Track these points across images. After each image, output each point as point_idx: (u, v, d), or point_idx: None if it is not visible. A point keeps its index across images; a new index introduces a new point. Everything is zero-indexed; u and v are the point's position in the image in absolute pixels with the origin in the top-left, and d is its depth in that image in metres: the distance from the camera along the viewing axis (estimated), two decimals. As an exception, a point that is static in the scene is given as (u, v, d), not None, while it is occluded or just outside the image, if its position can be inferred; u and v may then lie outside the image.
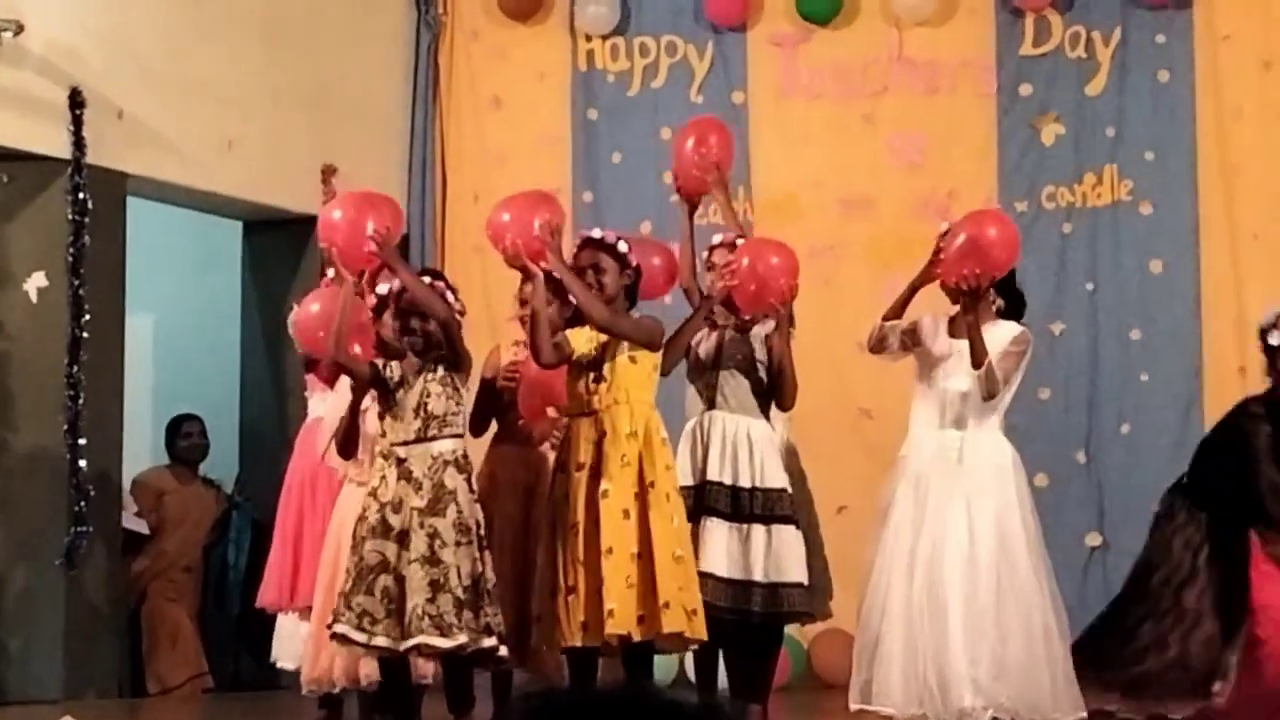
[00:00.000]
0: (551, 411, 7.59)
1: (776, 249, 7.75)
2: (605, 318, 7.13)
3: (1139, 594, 7.38)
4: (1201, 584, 7.12)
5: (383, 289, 7.25)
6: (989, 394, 7.07)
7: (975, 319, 7.11)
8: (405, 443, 6.97)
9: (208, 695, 10.67)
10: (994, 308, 7.30)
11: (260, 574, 9.41)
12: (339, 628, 6.86)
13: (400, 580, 6.82)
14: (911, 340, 7.30)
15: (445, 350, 7.03)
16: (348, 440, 7.39)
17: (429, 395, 7.00)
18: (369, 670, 7.45)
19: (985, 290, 7.22)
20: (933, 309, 7.44)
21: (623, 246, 7.45)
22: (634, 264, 7.45)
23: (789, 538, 7.51)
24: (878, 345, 7.40)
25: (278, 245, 11.56)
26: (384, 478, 6.97)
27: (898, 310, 7.41)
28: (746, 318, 7.73)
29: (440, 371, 7.02)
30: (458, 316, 7.26)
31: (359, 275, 7.39)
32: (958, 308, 7.28)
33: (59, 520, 9.77)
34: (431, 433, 6.97)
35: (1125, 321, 10.97)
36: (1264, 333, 7.37)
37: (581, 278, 7.26)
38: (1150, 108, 11.21)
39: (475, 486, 7.11)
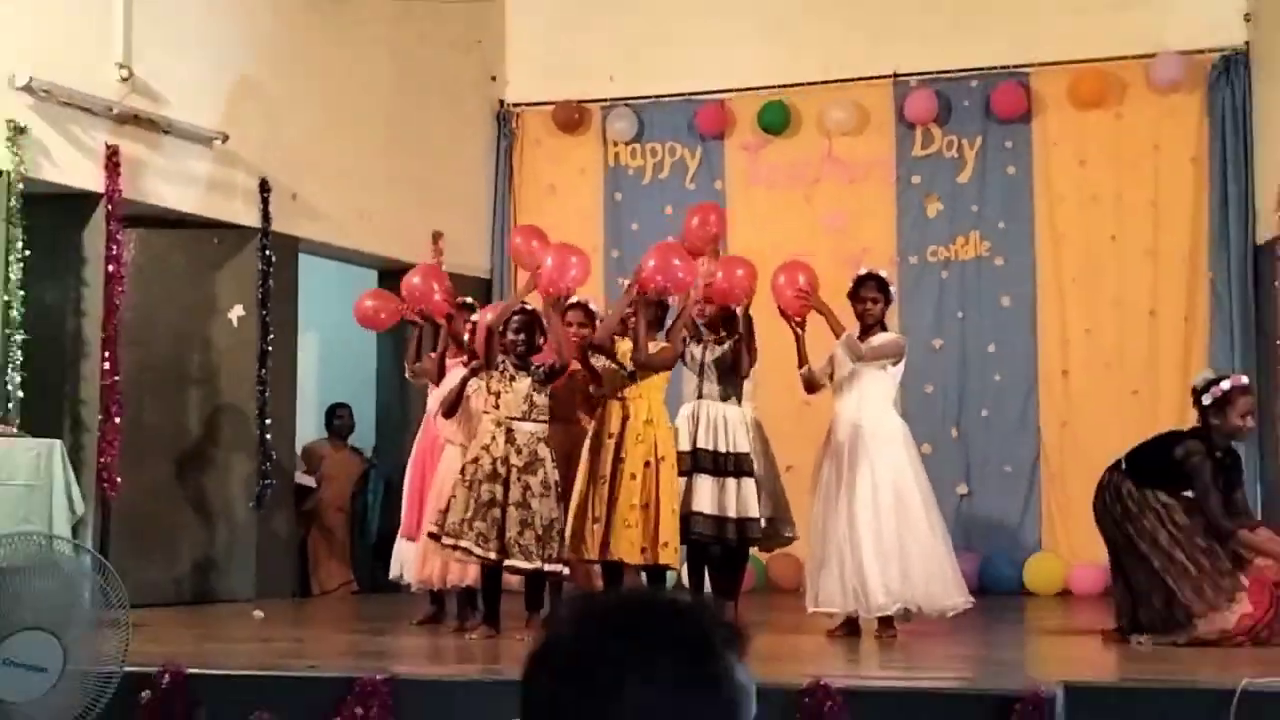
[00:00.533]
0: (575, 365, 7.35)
1: (744, 263, 7.68)
2: (642, 358, 7.19)
3: (1134, 564, 6.82)
4: (1185, 536, 6.68)
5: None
6: (855, 358, 6.98)
7: (836, 326, 7.11)
8: (514, 418, 6.95)
9: (353, 595, 10.65)
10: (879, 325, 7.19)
11: (388, 515, 9.61)
12: (463, 543, 6.87)
13: (503, 514, 6.83)
14: (831, 367, 7.21)
15: (548, 367, 7.04)
16: (451, 407, 7.38)
17: (534, 390, 7.01)
18: (464, 576, 7.37)
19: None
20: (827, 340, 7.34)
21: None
22: (666, 301, 7.49)
23: (751, 487, 7.48)
24: (810, 388, 7.44)
25: (398, 286, 11.30)
26: (494, 438, 6.93)
27: (803, 359, 7.37)
28: (722, 332, 7.63)
29: (542, 376, 7.02)
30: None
31: (555, 299, 7.23)
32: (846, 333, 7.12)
33: (252, 477, 9.84)
34: (534, 416, 6.99)
35: (984, 339, 10.85)
36: (1197, 392, 7.03)
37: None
38: (1002, 192, 11.12)
39: (555, 457, 7.08)
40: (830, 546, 6.94)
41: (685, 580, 7.72)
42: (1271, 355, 10.13)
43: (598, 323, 7.60)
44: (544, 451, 7.00)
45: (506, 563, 6.91)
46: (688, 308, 7.48)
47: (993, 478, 10.21)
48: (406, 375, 8.57)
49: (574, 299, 7.56)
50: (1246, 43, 10.68)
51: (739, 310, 7.61)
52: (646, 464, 7.12)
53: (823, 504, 7.06)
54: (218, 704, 5.14)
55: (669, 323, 7.51)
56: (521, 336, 7.10)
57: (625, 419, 7.19)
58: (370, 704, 4.98)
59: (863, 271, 7.44)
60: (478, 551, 6.88)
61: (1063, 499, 10.72)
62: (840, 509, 6.92)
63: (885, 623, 6.86)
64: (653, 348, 7.22)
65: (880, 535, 6.80)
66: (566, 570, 7.09)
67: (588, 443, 7.32)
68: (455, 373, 7.54)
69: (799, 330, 7.39)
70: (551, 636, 1.57)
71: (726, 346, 7.62)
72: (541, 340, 7.16)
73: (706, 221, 8.17)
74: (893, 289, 7.59)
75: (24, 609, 3.29)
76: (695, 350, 7.71)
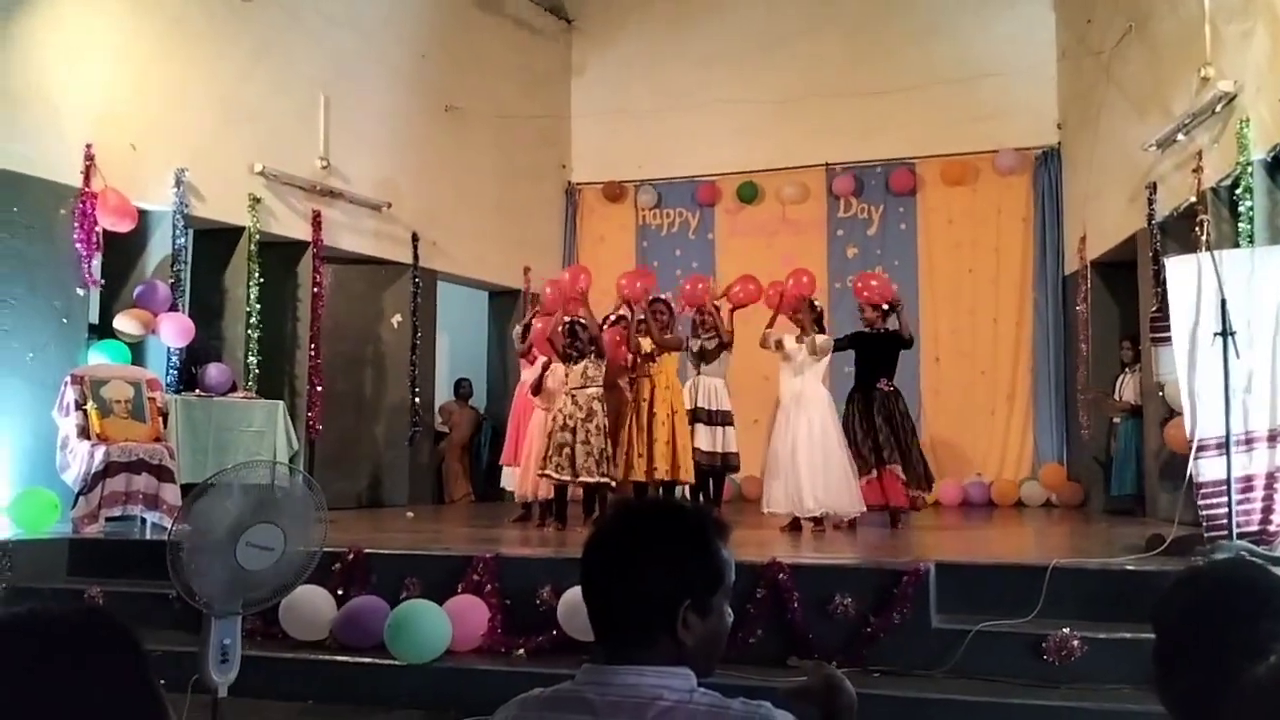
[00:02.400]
0: (629, 362, 7.41)
1: (753, 281, 7.73)
2: (660, 340, 7.34)
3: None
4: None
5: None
6: (811, 352, 6.89)
7: (810, 324, 7.03)
8: (575, 388, 6.92)
9: (471, 503, 10.60)
10: (816, 326, 7.06)
11: (494, 451, 9.64)
12: (550, 472, 6.87)
13: (573, 450, 6.82)
14: (778, 346, 7.08)
15: (596, 349, 7.00)
16: (535, 387, 7.37)
17: (589, 367, 6.95)
18: (546, 491, 7.24)
19: (810, 309, 7.14)
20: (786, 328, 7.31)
21: (671, 301, 7.72)
22: (673, 308, 7.65)
23: (732, 433, 7.60)
24: (764, 344, 7.23)
25: (501, 304, 11.41)
26: (565, 404, 6.92)
27: (770, 324, 7.29)
28: (711, 332, 7.61)
29: (593, 358, 6.97)
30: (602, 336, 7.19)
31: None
32: (798, 325, 7.13)
33: (405, 425, 9.86)
34: (588, 385, 6.92)
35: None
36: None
37: (656, 318, 7.42)
38: (896, 241, 11.07)
39: (606, 409, 7.02)
40: (779, 469, 6.87)
41: (688, 493, 7.61)
42: (1074, 350, 10.13)
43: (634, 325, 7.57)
44: (597, 406, 6.92)
45: (580, 479, 6.86)
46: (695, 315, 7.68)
47: (915, 428, 10.26)
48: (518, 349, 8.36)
49: (615, 314, 7.62)
50: (1059, 142, 10.65)
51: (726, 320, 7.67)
52: (668, 414, 7.21)
53: (776, 442, 6.95)
54: (383, 573, 5.17)
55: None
56: (568, 339, 7.04)
57: (653, 388, 7.26)
58: (483, 573, 5.02)
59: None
60: (556, 475, 6.88)
61: (935, 440, 10.74)
62: (786, 445, 6.83)
63: (817, 521, 6.83)
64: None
65: (811, 464, 6.72)
66: (614, 483, 7.02)
67: (631, 404, 7.30)
68: (540, 363, 7.49)
69: (776, 318, 7.33)
70: (600, 526, 1.59)
71: (714, 342, 7.63)
72: (588, 336, 7.06)
73: (695, 285, 8.08)
74: (818, 305, 7.45)
75: (261, 509, 3.32)
76: (693, 344, 7.73)
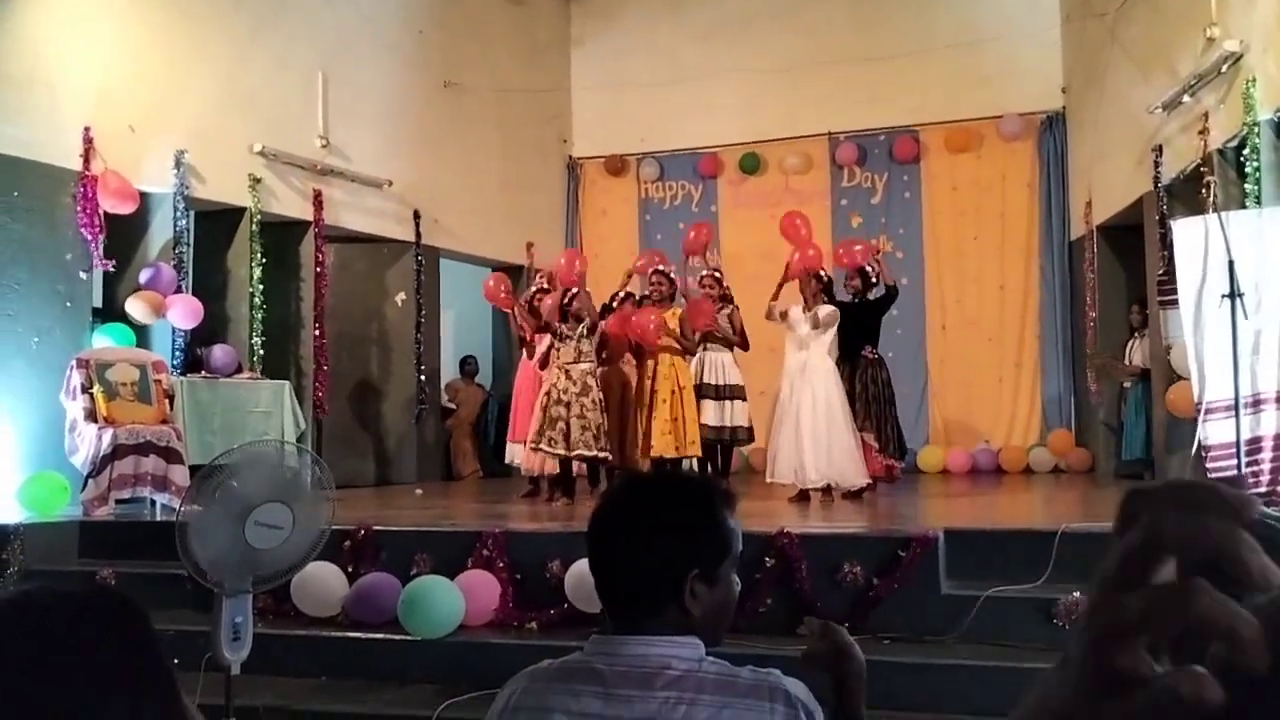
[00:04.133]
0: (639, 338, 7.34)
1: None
2: (687, 346, 7.30)
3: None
4: None
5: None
6: (813, 326, 6.77)
7: (814, 296, 6.89)
8: (569, 363, 6.90)
9: (479, 479, 10.57)
10: (822, 297, 6.90)
11: (503, 429, 9.59)
12: (543, 446, 6.91)
13: (568, 425, 6.81)
14: (783, 317, 6.95)
15: (589, 324, 6.98)
16: (544, 363, 7.23)
17: (583, 342, 6.93)
18: (553, 467, 7.32)
19: (815, 281, 6.97)
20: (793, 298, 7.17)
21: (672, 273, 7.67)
22: (674, 279, 7.62)
23: (740, 406, 7.56)
24: (769, 316, 7.09)
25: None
26: (559, 378, 6.89)
27: (775, 297, 7.10)
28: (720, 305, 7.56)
29: (585, 333, 6.95)
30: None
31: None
32: (803, 296, 6.97)
33: (412, 402, 9.85)
34: (582, 360, 6.91)
35: (894, 307, 10.61)
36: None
37: (656, 289, 7.43)
38: (901, 209, 11.01)
39: (600, 385, 7.03)
40: (783, 440, 6.83)
41: (695, 465, 7.53)
42: (1081, 315, 10.10)
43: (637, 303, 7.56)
44: (591, 381, 6.90)
45: (574, 454, 6.87)
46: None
47: (896, 395, 10.20)
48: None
49: (622, 292, 7.62)
50: (1063, 107, 10.57)
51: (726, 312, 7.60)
52: (672, 391, 7.14)
53: (781, 413, 6.91)
54: (393, 550, 5.19)
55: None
56: (569, 309, 7.01)
57: (655, 365, 7.22)
58: (492, 548, 5.04)
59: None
60: (549, 450, 6.89)
61: (943, 409, 10.76)
62: (791, 416, 6.79)
63: (825, 491, 6.79)
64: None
65: (815, 435, 6.68)
66: (611, 458, 6.99)
67: (635, 384, 7.30)
68: (546, 340, 7.44)
69: (786, 282, 7.18)
70: (607, 499, 1.59)
71: (722, 319, 7.54)
72: (585, 314, 7.04)
73: (699, 233, 8.11)
74: (825, 275, 7.25)
75: (269, 488, 3.32)
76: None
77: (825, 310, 6.94)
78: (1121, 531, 0.45)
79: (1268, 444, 4.97)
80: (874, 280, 7.55)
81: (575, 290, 7.13)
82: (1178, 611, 0.40)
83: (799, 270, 7.11)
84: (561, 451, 6.87)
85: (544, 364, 7.37)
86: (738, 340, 7.61)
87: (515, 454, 8.21)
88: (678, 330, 7.29)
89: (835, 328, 6.99)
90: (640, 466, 7.19)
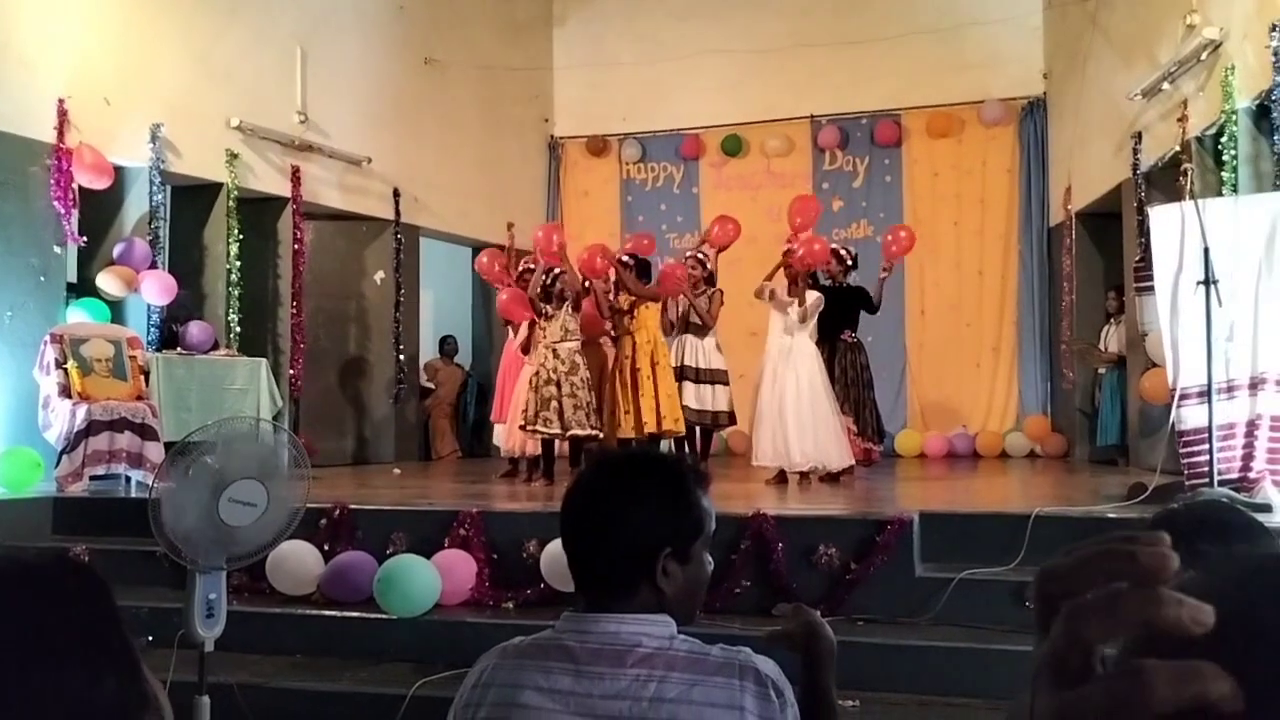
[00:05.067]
0: (608, 325, 7.35)
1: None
2: (638, 290, 7.21)
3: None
4: None
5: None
6: (801, 318, 6.80)
7: (803, 285, 6.85)
8: (555, 342, 6.85)
9: (458, 459, 10.53)
10: (808, 283, 6.92)
11: (480, 408, 9.66)
12: (539, 427, 6.82)
13: (560, 404, 6.78)
14: (771, 297, 6.92)
15: (573, 302, 6.96)
16: (526, 346, 7.32)
17: (568, 320, 6.90)
18: (533, 448, 7.27)
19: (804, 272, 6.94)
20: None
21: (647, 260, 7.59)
22: (649, 265, 7.55)
23: (721, 390, 7.54)
24: (759, 295, 7.04)
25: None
26: (546, 357, 6.85)
27: (769, 278, 7.06)
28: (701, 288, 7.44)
29: (570, 310, 6.92)
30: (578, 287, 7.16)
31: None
32: (789, 280, 6.91)
33: (391, 382, 9.85)
34: (569, 338, 6.88)
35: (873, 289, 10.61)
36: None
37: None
38: (882, 193, 11.03)
39: (586, 364, 6.98)
40: (766, 423, 6.84)
41: (673, 446, 7.47)
42: (1059, 301, 10.16)
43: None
44: (579, 360, 6.89)
45: (569, 433, 6.80)
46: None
47: (875, 379, 10.24)
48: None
49: (625, 257, 7.47)
50: (1044, 93, 10.61)
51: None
52: (651, 368, 7.12)
53: (764, 396, 6.90)
54: (369, 529, 5.17)
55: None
56: (552, 289, 6.95)
57: (634, 345, 7.18)
58: (469, 527, 5.03)
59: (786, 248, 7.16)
60: (545, 430, 6.84)
61: (920, 393, 10.81)
62: (774, 399, 6.80)
63: (803, 475, 6.82)
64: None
65: (799, 417, 6.70)
66: (601, 435, 7.01)
67: (613, 361, 7.27)
68: (526, 325, 7.43)
69: (786, 268, 7.04)
70: (580, 477, 1.59)
71: (699, 303, 7.46)
72: (566, 290, 6.97)
73: (724, 225, 7.95)
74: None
75: (244, 464, 3.30)
76: (682, 304, 7.63)
77: (812, 297, 6.95)
78: (1043, 617, 0.45)
79: (1240, 430, 5.02)
80: (851, 265, 7.58)
81: (559, 270, 7.08)
82: (1143, 702, 0.40)
83: (803, 265, 7.02)
84: (557, 431, 6.83)
85: (526, 349, 7.36)
86: (709, 320, 7.51)
87: (499, 434, 8.21)
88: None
89: (817, 312, 7.01)
90: (631, 444, 7.14)
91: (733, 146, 11.45)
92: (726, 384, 7.60)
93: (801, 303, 6.82)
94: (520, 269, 7.90)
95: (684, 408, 7.35)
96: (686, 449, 7.62)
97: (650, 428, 7.07)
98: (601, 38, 11.85)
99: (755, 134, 11.41)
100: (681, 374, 7.44)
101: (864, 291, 7.54)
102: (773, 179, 11.33)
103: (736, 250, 8.24)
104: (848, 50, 10.73)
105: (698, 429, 7.68)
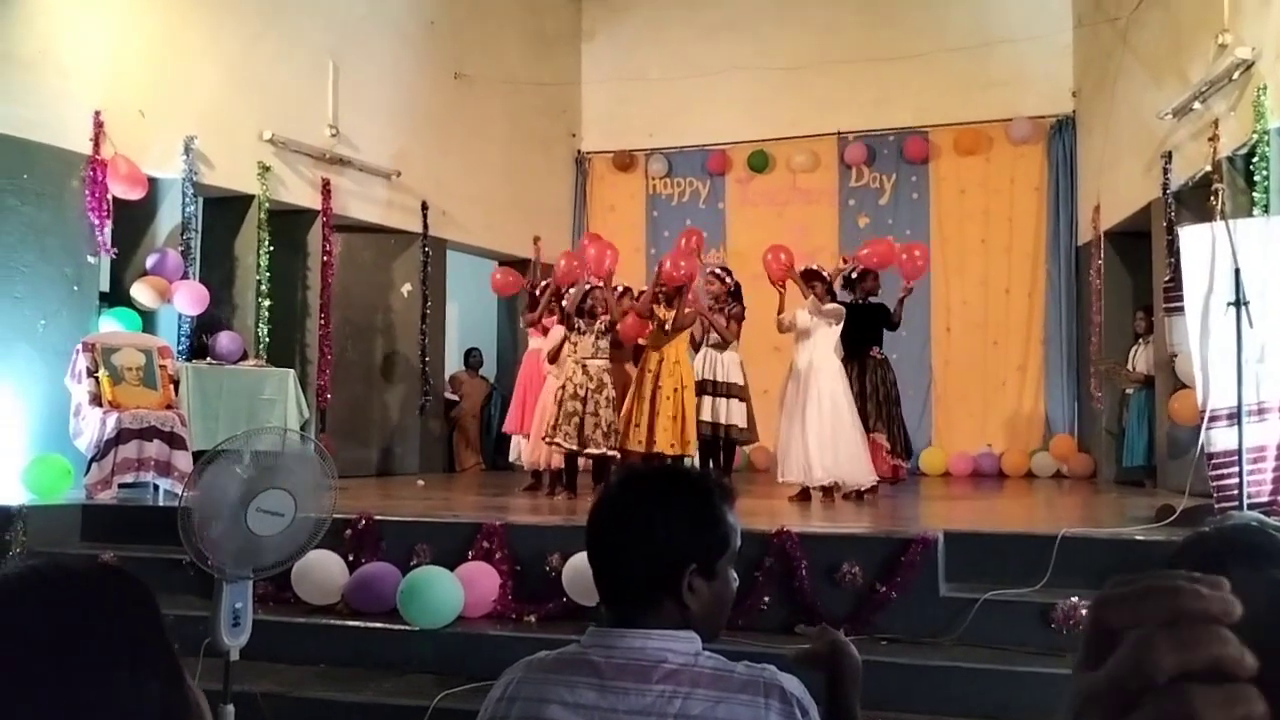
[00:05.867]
0: (642, 340, 7.29)
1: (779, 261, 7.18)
2: (679, 320, 7.05)
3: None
4: None
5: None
6: (817, 313, 6.75)
7: (820, 297, 6.85)
8: (586, 358, 6.89)
9: (481, 471, 10.60)
10: (827, 298, 6.88)
11: (504, 420, 9.62)
12: (557, 439, 6.84)
13: (582, 420, 6.80)
14: (791, 324, 6.89)
15: (610, 321, 6.95)
16: (554, 357, 7.35)
17: (599, 338, 6.92)
18: (556, 461, 7.28)
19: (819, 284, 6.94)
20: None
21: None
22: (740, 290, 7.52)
23: (737, 404, 7.49)
24: (781, 329, 7.01)
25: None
26: (575, 372, 6.87)
27: (780, 309, 6.99)
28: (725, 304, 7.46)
29: (603, 330, 6.93)
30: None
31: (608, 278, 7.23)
32: (811, 299, 6.87)
33: (416, 394, 9.91)
34: (599, 355, 6.92)
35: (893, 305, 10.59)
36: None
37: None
38: (909, 211, 10.99)
39: (614, 383, 6.99)
40: (791, 440, 6.81)
41: (697, 463, 7.46)
42: (1087, 321, 10.09)
43: (636, 297, 7.50)
44: (607, 379, 6.92)
45: (586, 450, 6.84)
46: (691, 293, 7.20)
47: (901, 396, 10.24)
48: (521, 324, 8.43)
49: (620, 286, 7.45)
50: (1073, 110, 10.56)
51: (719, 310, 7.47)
52: (675, 389, 7.06)
53: (787, 412, 6.89)
54: (394, 540, 5.20)
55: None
56: (585, 305, 6.99)
57: (661, 361, 7.11)
58: (492, 540, 5.04)
59: (806, 267, 7.19)
60: (566, 445, 6.86)
61: (945, 411, 10.75)
62: (797, 416, 6.78)
63: (827, 491, 6.79)
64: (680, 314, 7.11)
65: (820, 434, 6.67)
66: (619, 455, 6.96)
67: (636, 376, 7.23)
68: (556, 331, 7.43)
69: (781, 290, 7.11)
70: (607, 491, 1.59)
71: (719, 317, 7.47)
72: (600, 309, 7.01)
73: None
74: (827, 274, 7.17)
75: (271, 475, 3.33)
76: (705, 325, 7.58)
77: (830, 305, 6.94)
78: (1094, 643, 0.46)
79: (1270, 453, 4.95)
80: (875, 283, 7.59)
81: (591, 286, 7.09)
82: None
83: (780, 273, 7.07)
84: (574, 446, 6.85)
85: (554, 358, 7.37)
86: (728, 336, 7.49)
87: (515, 446, 8.23)
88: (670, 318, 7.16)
89: (840, 326, 6.98)
90: (636, 458, 7.11)
91: (759, 162, 11.45)
92: (743, 399, 7.56)
93: (817, 307, 6.82)
94: (541, 285, 7.95)
95: (702, 422, 7.32)
96: (710, 464, 7.61)
97: (659, 447, 7.01)
98: (629, 53, 11.91)
99: (782, 150, 11.40)
100: (701, 388, 7.43)
101: (884, 308, 7.53)
102: (799, 195, 11.33)
103: (760, 266, 8.24)
104: (875, 67, 10.75)
105: (720, 445, 7.64)
